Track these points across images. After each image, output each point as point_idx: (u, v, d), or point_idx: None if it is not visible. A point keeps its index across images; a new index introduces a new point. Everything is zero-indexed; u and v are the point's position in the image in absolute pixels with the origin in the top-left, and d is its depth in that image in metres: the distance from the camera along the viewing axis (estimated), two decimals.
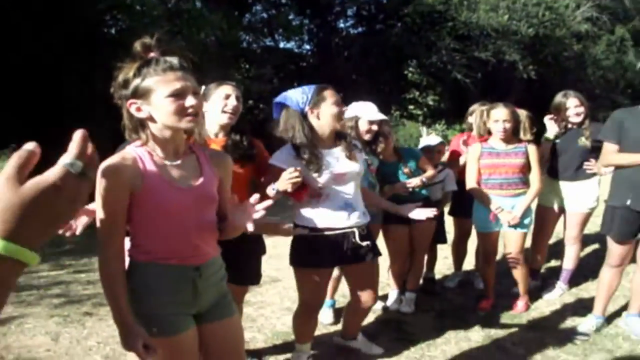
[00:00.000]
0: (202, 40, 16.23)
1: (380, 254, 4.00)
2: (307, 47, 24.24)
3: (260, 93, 17.87)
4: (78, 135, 1.02)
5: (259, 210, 2.33)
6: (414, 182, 4.99)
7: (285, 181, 3.46)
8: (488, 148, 5.13)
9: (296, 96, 3.64)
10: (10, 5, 12.50)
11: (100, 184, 2.21)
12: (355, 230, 3.69)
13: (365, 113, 4.82)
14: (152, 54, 2.28)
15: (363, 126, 4.80)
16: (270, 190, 3.55)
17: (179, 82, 2.22)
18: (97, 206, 2.25)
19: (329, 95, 3.63)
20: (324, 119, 3.64)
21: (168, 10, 16.38)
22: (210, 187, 2.44)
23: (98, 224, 2.27)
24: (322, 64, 21.44)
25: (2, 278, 0.90)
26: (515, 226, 5.11)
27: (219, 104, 3.55)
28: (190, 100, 2.23)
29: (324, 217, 3.65)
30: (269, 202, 2.40)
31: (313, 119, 3.64)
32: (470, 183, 5.21)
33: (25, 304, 5.75)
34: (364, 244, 3.71)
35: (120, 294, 2.24)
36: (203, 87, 3.63)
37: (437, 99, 25.74)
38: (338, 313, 5.18)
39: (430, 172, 5.31)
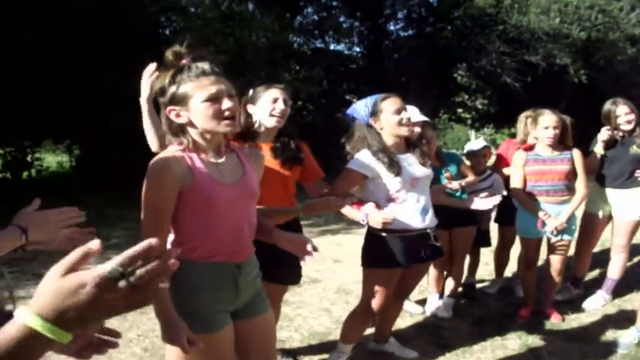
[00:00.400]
0: (253, 41, 16.43)
1: (443, 254, 4.28)
2: (357, 49, 24.34)
3: (310, 94, 18.00)
4: (142, 245, 1.03)
5: (311, 252, 2.52)
6: (453, 185, 5.04)
7: (379, 222, 3.55)
8: (533, 155, 5.11)
9: (360, 108, 3.82)
10: (68, 9, 12.89)
11: (149, 179, 2.30)
12: (429, 231, 3.90)
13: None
14: (183, 61, 2.36)
15: None
16: (361, 217, 3.69)
17: (213, 86, 2.30)
18: (144, 202, 2.33)
19: (388, 104, 3.76)
20: (386, 128, 3.78)
21: (221, 12, 16.66)
22: (253, 183, 2.53)
23: (144, 219, 2.34)
24: (371, 67, 21.50)
25: (35, 352, 0.98)
26: (561, 233, 5.08)
27: (267, 108, 3.58)
28: (226, 103, 2.30)
29: (401, 219, 3.73)
30: (312, 253, 2.55)
31: (378, 129, 3.81)
32: (516, 189, 5.20)
33: None
34: (438, 244, 3.97)
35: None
36: (251, 91, 3.74)
37: (486, 103, 25.48)
38: None
39: (470, 177, 5.37)
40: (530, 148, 5.20)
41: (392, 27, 23.64)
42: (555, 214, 5.05)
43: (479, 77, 21.72)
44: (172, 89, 2.33)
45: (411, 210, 3.78)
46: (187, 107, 2.32)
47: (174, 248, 1.08)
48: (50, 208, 8.51)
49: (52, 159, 20.21)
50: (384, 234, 3.77)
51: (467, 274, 6.15)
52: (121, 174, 13.91)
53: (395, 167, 3.71)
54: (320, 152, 3.89)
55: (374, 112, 3.77)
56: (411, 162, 3.84)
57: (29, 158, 17.01)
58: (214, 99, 2.29)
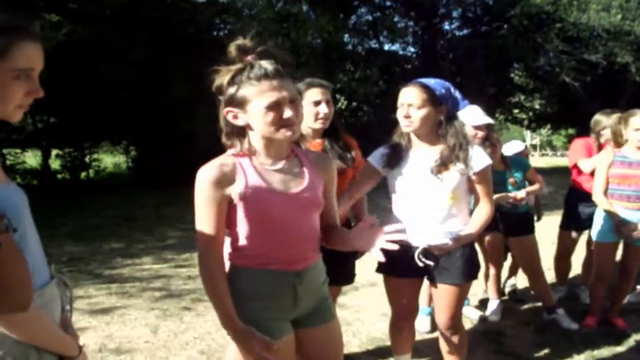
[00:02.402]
0: (308, 42, 16.48)
1: (473, 278, 3.53)
2: (412, 49, 24.23)
3: (366, 95, 17.99)
4: None
5: (390, 236, 2.20)
6: (520, 194, 4.83)
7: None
8: (621, 157, 4.76)
9: (449, 88, 3.38)
10: (126, 10, 13.17)
11: (199, 191, 2.19)
12: (420, 246, 3.27)
13: (469, 118, 4.45)
14: (248, 58, 2.19)
15: (469, 132, 4.33)
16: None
17: (274, 92, 2.13)
18: (197, 214, 2.23)
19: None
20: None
21: (276, 14, 16.78)
22: (314, 192, 2.33)
23: (197, 227, 2.24)
24: (426, 67, 21.30)
25: None
26: (637, 241, 4.75)
27: (310, 111, 3.42)
28: (287, 113, 2.15)
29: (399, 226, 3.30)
30: (400, 226, 2.26)
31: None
32: (598, 191, 4.84)
33: (128, 295, 6.03)
34: (425, 263, 3.26)
35: (225, 300, 2.21)
36: None
37: (543, 103, 25.09)
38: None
39: (537, 185, 5.14)
40: (619, 147, 4.83)
41: (447, 27, 23.51)
42: (635, 221, 4.69)
43: (537, 77, 21.41)
44: (231, 90, 2.18)
45: (406, 220, 3.30)
46: (245, 110, 2.18)
47: None
48: (111, 207, 8.70)
49: (109, 160, 20.60)
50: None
51: (507, 275, 5.99)
52: (177, 174, 14.12)
53: (389, 158, 3.38)
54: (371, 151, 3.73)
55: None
56: (420, 165, 3.29)
57: (87, 159, 17.37)
58: (274, 106, 2.13)
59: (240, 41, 2.20)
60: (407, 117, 3.25)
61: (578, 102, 20.83)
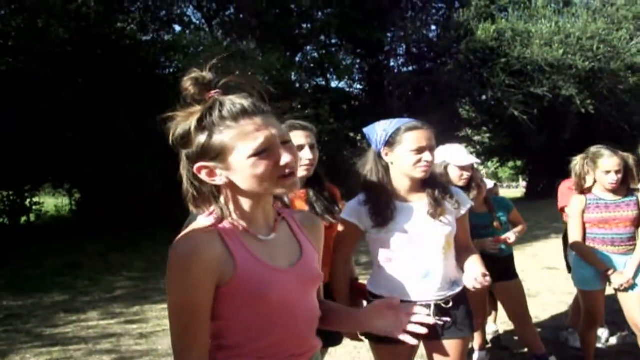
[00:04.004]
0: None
1: (473, 331, 3.32)
2: (359, 86, 24.37)
3: (319, 133, 17.82)
4: None
5: (420, 318, 1.89)
6: (511, 237, 4.52)
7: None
8: (595, 199, 4.47)
9: (377, 130, 3.03)
10: (69, 44, 12.82)
11: (173, 271, 1.62)
12: (432, 303, 2.96)
13: (454, 157, 4.34)
14: (212, 94, 1.67)
15: (453, 173, 4.33)
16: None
17: (261, 132, 1.62)
18: (169, 301, 1.67)
19: (413, 138, 2.90)
20: (399, 165, 2.96)
21: (224, 51, 16.58)
22: (312, 263, 1.87)
23: (172, 327, 1.68)
24: (374, 103, 21.41)
25: None
26: (628, 289, 4.39)
27: None
28: (285, 157, 1.65)
29: (397, 286, 2.98)
30: (424, 310, 1.94)
31: (388, 163, 3.01)
32: (574, 238, 4.54)
33: None
34: (443, 321, 2.95)
35: None
36: None
37: (491, 136, 25.43)
38: None
39: (522, 226, 4.83)
40: (588, 190, 4.54)
41: (393, 64, 23.71)
42: (622, 266, 4.41)
43: (484, 111, 21.65)
44: (201, 138, 1.63)
45: (407, 276, 2.96)
46: (226, 164, 1.64)
47: None
48: (53, 254, 8.07)
49: (52, 202, 19.89)
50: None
51: (489, 322, 5.65)
52: (123, 218, 13.70)
53: (380, 216, 2.94)
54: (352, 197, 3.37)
55: (392, 141, 2.95)
56: (418, 213, 2.97)
57: (27, 202, 16.70)
58: (266, 151, 1.63)
59: (196, 74, 1.67)
60: (431, 161, 2.90)
61: (525, 134, 21.21)
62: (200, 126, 1.63)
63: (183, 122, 1.65)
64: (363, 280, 3.29)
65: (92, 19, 14.14)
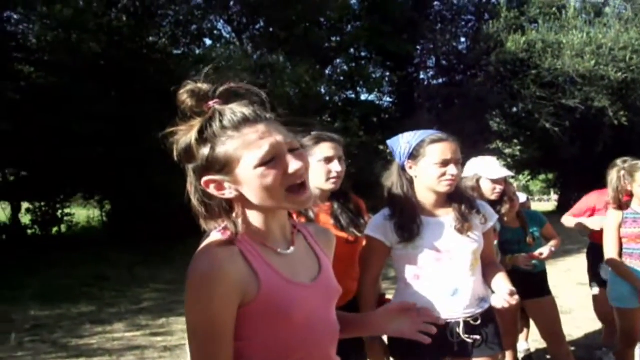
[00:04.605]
0: (286, 93, 16.35)
1: (502, 349, 3.13)
2: (389, 99, 24.32)
3: (347, 147, 17.81)
4: None
5: (427, 317, 1.87)
6: (545, 253, 4.31)
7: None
8: (632, 214, 4.28)
9: (401, 142, 2.94)
10: (102, 58, 13.00)
11: (193, 290, 1.49)
12: (461, 321, 2.87)
13: (486, 170, 4.18)
14: (210, 104, 1.57)
15: (486, 186, 4.18)
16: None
17: (266, 140, 1.52)
18: (189, 321, 1.55)
19: (437, 150, 2.82)
20: (423, 179, 2.86)
21: (253, 64, 16.67)
22: (330, 276, 1.78)
23: (193, 349, 1.56)
24: (404, 116, 21.33)
25: None
26: None
27: (320, 170, 2.93)
28: (294, 164, 1.54)
29: (425, 304, 2.80)
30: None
31: (413, 177, 2.92)
32: (610, 254, 4.34)
33: None
34: (472, 338, 2.88)
35: None
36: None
37: (522, 149, 25.18)
38: None
39: (555, 241, 4.64)
40: (626, 206, 4.33)
41: (423, 76, 23.64)
42: None
43: (515, 123, 21.45)
44: (204, 151, 1.53)
45: (436, 293, 2.85)
46: (233, 176, 1.54)
47: None
48: (82, 265, 8.05)
49: (84, 213, 20.11)
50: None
51: (520, 340, 5.49)
52: (151, 230, 13.80)
53: (406, 232, 2.82)
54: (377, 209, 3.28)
55: (416, 154, 2.86)
56: (445, 229, 2.88)
57: (59, 213, 16.92)
58: (273, 159, 1.52)
59: (191, 86, 1.58)
60: (456, 175, 2.81)
61: (557, 147, 20.95)
62: (202, 138, 1.54)
63: (184, 136, 1.56)
64: (390, 295, 3.23)
65: (125, 33, 14.35)
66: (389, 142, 3.05)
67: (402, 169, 2.91)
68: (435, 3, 22.84)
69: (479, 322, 2.88)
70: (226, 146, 1.52)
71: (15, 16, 14.22)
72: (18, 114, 12.69)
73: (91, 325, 7.14)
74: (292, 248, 1.67)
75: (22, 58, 14.37)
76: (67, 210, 17.45)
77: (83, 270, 11.01)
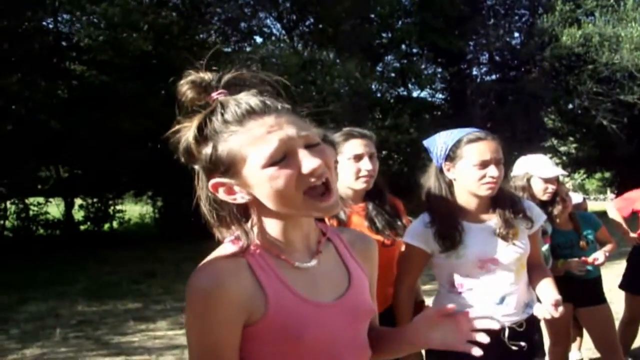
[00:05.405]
0: (335, 89, 16.27)
1: (544, 355, 3.01)
2: (441, 95, 24.08)
3: (397, 144, 17.67)
4: None
5: (480, 323, 1.57)
6: (600, 258, 4.06)
7: None
8: None
9: (438, 142, 2.75)
10: (152, 56, 13.14)
11: (193, 305, 1.32)
12: (506, 328, 2.69)
13: (537, 168, 3.94)
14: (214, 95, 1.33)
15: (537, 185, 3.96)
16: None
17: (274, 134, 1.27)
18: (188, 338, 1.38)
19: (475, 151, 2.62)
20: (462, 181, 2.68)
21: (302, 60, 16.66)
22: (362, 294, 1.52)
23: None
24: (456, 113, 21.07)
25: None
26: None
27: (350, 168, 2.78)
28: (308, 162, 1.27)
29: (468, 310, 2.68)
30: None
31: (451, 179, 2.73)
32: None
33: None
34: (517, 345, 2.70)
35: None
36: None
37: (578, 146, 24.64)
38: None
39: (611, 245, 4.39)
40: None
41: (475, 72, 23.32)
42: None
43: (570, 120, 20.99)
44: (207, 150, 1.31)
45: (480, 302, 2.69)
46: (241, 179, 1.31)
47: None
48: (131, 261, 8.03)
49: (137, 209, 20.42)
50: None
51: (572, 349, 5.25)
52: (203, 227, 13.87)
53: (448, 240, 2.63)
54: (406, 202, 3.07)
55: (453, 155, 2.68)
56: (489, 235, 2.68)
57: (110, 210, 17.22)
58: (283, 155, 1.27)
59: (193, 76, 1.34)
60: (497, 177, 2.60)
61: (614, 144, 20.40)
62: (202, 135, 1.32)
63: (185, 133, 1.34)
64: (429, 301, 3.02)
65: (174, 31, 14.47)
66: (425, 142, 2.86)
67: (440, 171, 2.72)
68: None
69: (523, 328, 2.71)
70: (228, 143, 1.29)
71: (66, 17, 14.51)
72: (70, 113, 12.95)
73: (135, 322, 7.14)
74: (314, 261, 1.43)
75: (74, 57, 14.65)
76: (118, 207, 17.75)
77: (132, 266, 11.15)
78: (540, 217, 2.80)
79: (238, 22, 17.72)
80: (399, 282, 2.79)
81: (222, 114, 1.28)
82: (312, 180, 1.27)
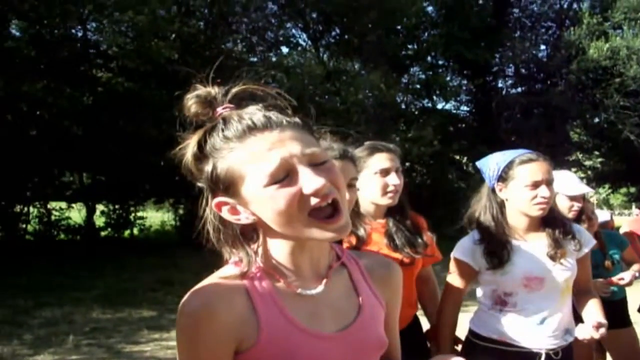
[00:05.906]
0: (359, 100, 16.24)
1: None
2: (466, 108, 23.94)
3: (420, 156, 17.59)
4: None
5: None
6: (626, 278, 3.95)
7: None
8: None
9: (490, 163, 2.80)
10: (177, 64, 13.23)
11: (183, 333, 1.26)
12: (543, 353, 2.68)
13: (563, 186, 3.84)
14: (220, 110, 1.28)
15: (563, 203, 3.84)
16: None
17: (275, 151, 1.20)
18: None
19: (527, 171, 2.66)
20: (514, 202, 2.72)
21: (326, 71, 16.66)
22: (374, 326, 1.41)
23: None
24: (481, 126, 20.94)
25: None
26: None
27: (376, 183, 2.71)
28: (310, 182, 1.18)
29: (510, 331, 2.70)
30: None
31: (503, 200, 2.78)
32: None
33: None
34: None
35: None
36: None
37: (603, 161, 24.33)
38: None
39: (638, 265, 4.30)
40: None
41: (501, 85, 23.16)
42: None
43: (596, 134, 20.75)
44: (207, 167, 1.26)
45: (523, 321, 2.68)
46: (241, 198, 1.25)
47: None
48: (149, 268, 8.08)
49: (158, 216, 20.49)
50: (482, 343, 2.77)
51: None
52: None
53: (495, 257, 2.66)
54: (429, 215, 3.06)
55: (505, 176, 2.72)
56: (537, 254, 2.70)
57: (131, 217, 17.32)
58: (287, 176, 1.20)
59: (201, 90, 1.29)
60: (548, 197, 2.63)
61: None
62: (202, 153, 1.26)
63: (186, 150, 1.29)
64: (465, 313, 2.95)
65: (201, 40, 14.55)
66: (478, 163, 2.91)
67: (492, 191, 2.77)
68: (514, 10, 22.35)
69: (559, 356, 2.69)
70: (227, 161, 1.22)
71: (94, 24, 14.67)
72: (94, 119, 13.06)
73: (148, 331, 7.13)
74: (320, 287, 1.32)
75: (101, 65, 14.79)
76: (139, 214, 17.84)
77: (150, 273, 11.16)
78: (589, 242, 2.80)
79: (265, 31, 17.79)
80: (445, 298, 2.83)
81: (223, 130, 1.23)
82: (316, 201, 1.19)
